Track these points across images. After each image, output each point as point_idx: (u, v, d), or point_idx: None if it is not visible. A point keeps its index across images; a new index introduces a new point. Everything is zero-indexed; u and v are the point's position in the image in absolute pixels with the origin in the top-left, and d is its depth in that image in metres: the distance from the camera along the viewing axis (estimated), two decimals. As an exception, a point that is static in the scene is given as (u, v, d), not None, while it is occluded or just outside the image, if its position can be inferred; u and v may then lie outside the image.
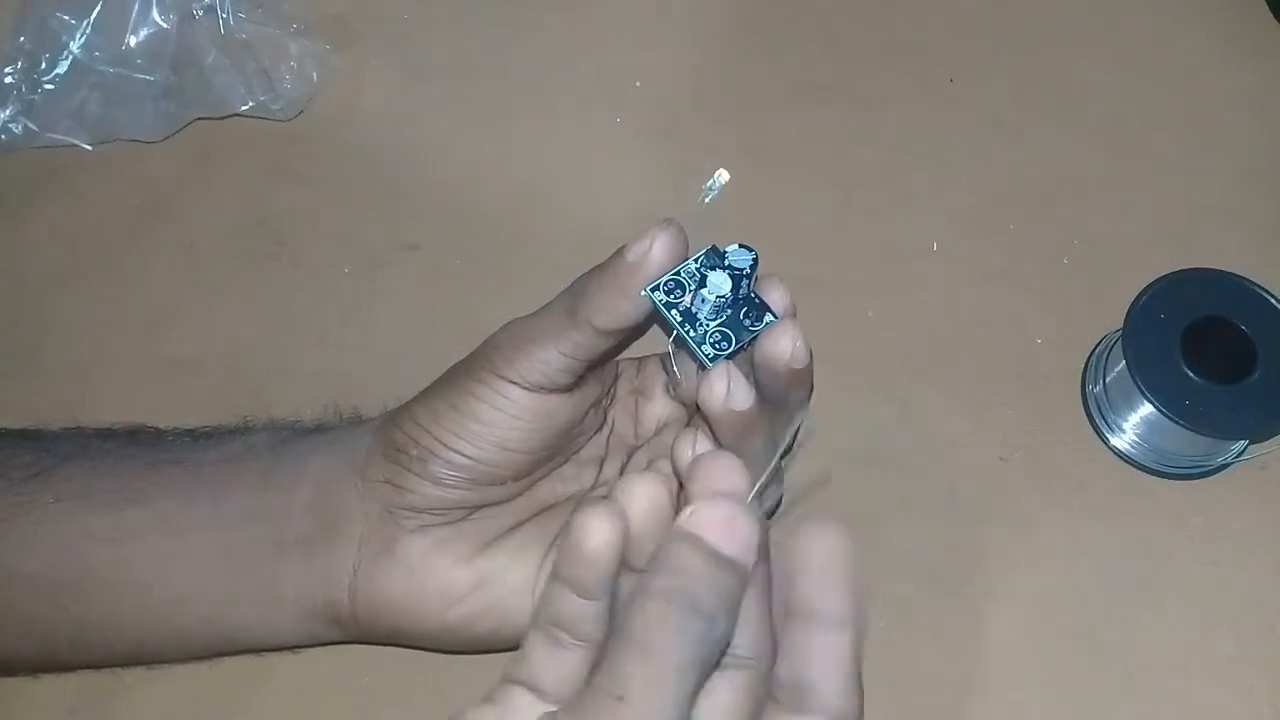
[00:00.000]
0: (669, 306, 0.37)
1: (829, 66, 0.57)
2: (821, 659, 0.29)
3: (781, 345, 0.36)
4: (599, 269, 0.38)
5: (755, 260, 0.37)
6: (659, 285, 0.37)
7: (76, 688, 0.44)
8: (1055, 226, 0.54)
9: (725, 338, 0.36)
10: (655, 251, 0.37)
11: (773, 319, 0.37)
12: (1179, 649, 0.46)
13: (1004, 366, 0.51)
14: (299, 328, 0.52)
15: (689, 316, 0.37)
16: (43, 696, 0.44)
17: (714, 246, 0.37)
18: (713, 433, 0.37)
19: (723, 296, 0.36)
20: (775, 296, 0.38)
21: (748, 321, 0.37)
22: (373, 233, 0.54)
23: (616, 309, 0.37)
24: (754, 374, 0.37)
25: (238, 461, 0.41)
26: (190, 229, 0.54)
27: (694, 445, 0.38)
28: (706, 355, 0.36)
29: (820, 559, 0.30)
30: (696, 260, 0.37)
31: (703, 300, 0.36)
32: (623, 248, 0.37)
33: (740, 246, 0.37)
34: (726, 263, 0.37)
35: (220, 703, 0.45)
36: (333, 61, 0.56)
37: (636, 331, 0.39)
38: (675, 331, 0.37)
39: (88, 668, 0.43)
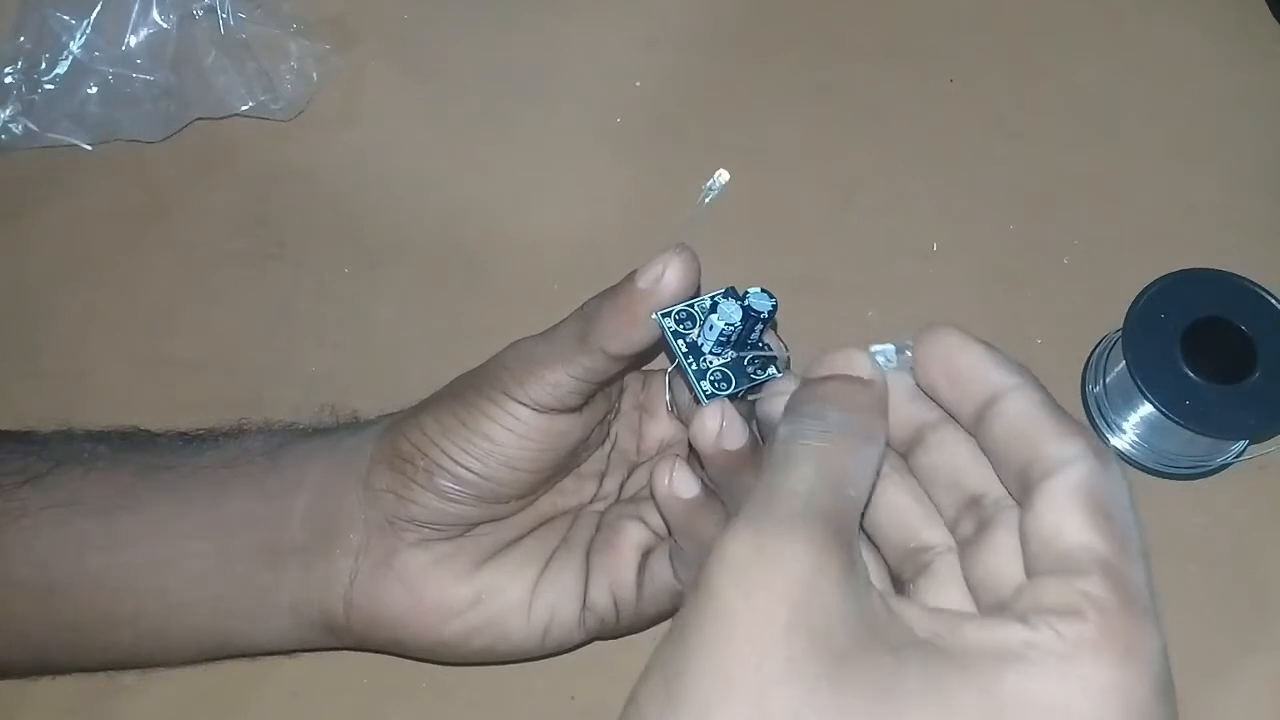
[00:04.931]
0: (676, 336, 0.36)
1: (829, 66, 0.57)
2: (1008, 435, 0.29)
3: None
4: (610, 293, 0.37)
5: (774, 307, 0.36)
6: (670, 312, 0.36)
7: (75, 689, 0.44)
8: (1055, 226, 0.54)
9: (725, 378, 0.36)
10: (668, 278, 0.36)
11: (775, 374, 0.36)
12: (1179, 649, 0.45)
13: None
14: (299, 328, 0.52)
15: (694, 349, 0.36)
16: (42, 697, 0.44)
17: (733, 287, 0.37)
18: (701, 465, 0.37)
19: (731, 325, 0.35)
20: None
21: (751, 369, 0.36)
22: (373, 233, 0.54)
23: (628, 336, 0.37)
24: (754, 416, 0.37)
25: (233, 466, 0.41)
26: (190, 229, 0.54)
27: (670, 475, 0.37)
28: (704, 391, 0.36)
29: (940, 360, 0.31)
30: (713, 296, 0.37)
31: (710, 327, 0.35)
32: (634, 273, 0.37)
33: (762, 291, 0.36)
34: (745, 303, 0.36)
35: (219, 704, 0.45)
36: (333, 61, 0.56)
37: (648, 354, 0.38)
38: (677, 360, 0.36)
39: (82, 671, 0.43)
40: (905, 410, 0.32)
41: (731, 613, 0.26)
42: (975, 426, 0.30)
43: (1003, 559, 0.29)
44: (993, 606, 0.29)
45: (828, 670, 0.25)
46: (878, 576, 0.32)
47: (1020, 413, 0.29)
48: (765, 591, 0.26)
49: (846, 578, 0.26)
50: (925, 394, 0.32)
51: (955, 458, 0.32)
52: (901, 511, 0.33)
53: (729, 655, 0.25)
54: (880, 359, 0.32)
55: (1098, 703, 0.25)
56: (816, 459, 0.29)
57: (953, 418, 0.32)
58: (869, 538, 0.34)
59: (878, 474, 0.31)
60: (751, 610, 0.26)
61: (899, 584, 0.32)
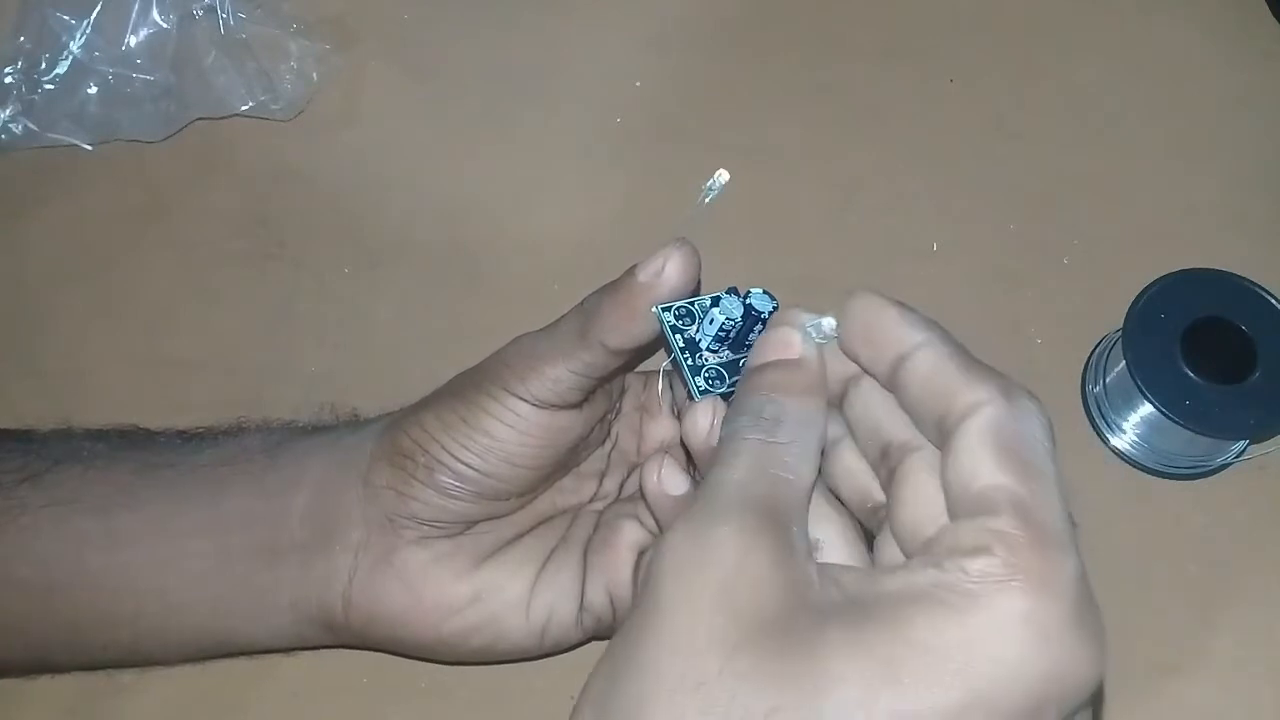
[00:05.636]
0: (675, 331, 0.36)
1: (829, 66, 0.57)
2: (915, 390, 0.30)
3: None
4: (610, 288, 0.37)
5: (775, 309, 0.36)
6: (670, 307, 0.36)
7: (75, 689, 0.44)
8: (1055, 226, 0.54)
9: (720, 376, 0.36)
10: (668, 272, 0.36)
11: None
12: (1179, 649, 0.46)
13: (1004, 366, 0.50)
14: (299, 328, 0.52)
15: (691, 345, 0.36)
16: (41, 696, 0.44)
17: (734, 288, 0.37)
18: (691, 462, 0.37)
19: (732, 320, 0.35)
20: None
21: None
22: (373, 233, 0.54)
23: (628, 330, 0.37)
24: None
25: (232, 464, 0.41)
26: (190, 229, 0.54)
27: (659, 471, 0.37)
28: (697, 387, 0.36)
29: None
30: (715, 295, 0.37)
31: (711, 320, 0.36)
32: (634, 267, 0.37)
33: (764, 292, 0.36)
34: (747, 302, 0.36)
35: (219, 704, 0.45)
36: (333, 61, 0.56)
37: (648, 350, 0.39)
38: (674, 355, 0.36)
39: (81, 670, 0.43)
40: (831, 366, 0.33)
41: (667, 604, 0.27)
42: (891, 385, 0.31)
43: (913, 508, 0.30)
44: (915, 553, 0.30)
45: (748, 638, 0.26)
46: (845, 547, 0.32)
47: (931, 366, 0.30)
48: (697, 579, 0.27)
49: (778, 556, 0.27)
50: (849, 358, 0.33)
51: (872, 408, 0.33)
52: (853, 473, 0.34)
53: (661, 643, 0.27)
54: (813, 333, 0.33)
55: (1007, 635, 0.26)
56: (752, 452, 0.30)
57: (874, 378, 0.32)
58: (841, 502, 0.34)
59: (821, 452, 0.32)
60: (683, 599, 0.27)
61: (871, 540, 0.33)
